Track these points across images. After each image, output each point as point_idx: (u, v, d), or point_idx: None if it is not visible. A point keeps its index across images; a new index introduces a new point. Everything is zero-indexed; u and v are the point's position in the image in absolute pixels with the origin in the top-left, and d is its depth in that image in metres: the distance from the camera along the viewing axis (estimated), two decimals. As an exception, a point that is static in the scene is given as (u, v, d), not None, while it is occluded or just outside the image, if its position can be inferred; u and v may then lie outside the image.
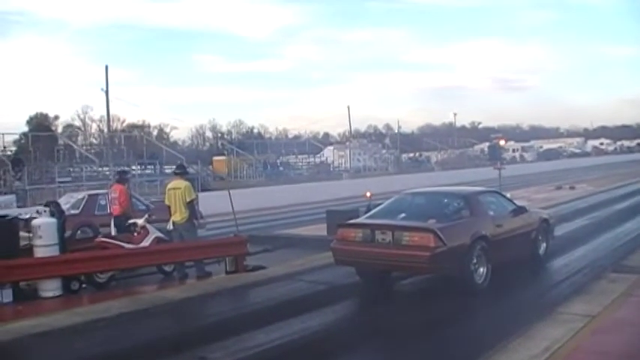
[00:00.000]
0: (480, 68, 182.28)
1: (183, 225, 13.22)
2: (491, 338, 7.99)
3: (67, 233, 15.62)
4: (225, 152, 63.60)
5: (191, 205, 13.25)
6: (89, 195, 20.55)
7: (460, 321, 9.19)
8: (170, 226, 13.35)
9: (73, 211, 18.93)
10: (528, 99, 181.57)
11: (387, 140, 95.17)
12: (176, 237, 13.38)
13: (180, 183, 13.44)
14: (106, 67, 49.09)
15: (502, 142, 28.37)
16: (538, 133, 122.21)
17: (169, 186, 13.68)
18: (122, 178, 15.72)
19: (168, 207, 13.32)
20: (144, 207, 18.62)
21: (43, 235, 11.95)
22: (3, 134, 49.10)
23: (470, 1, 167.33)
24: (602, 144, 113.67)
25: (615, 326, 8.49)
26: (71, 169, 44.55)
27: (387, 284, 11.70)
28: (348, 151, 70.99)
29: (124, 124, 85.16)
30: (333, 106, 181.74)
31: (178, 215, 13.18)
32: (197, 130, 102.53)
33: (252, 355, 7.86)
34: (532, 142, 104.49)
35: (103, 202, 19.44)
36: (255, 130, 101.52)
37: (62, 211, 13.19)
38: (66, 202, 20.15)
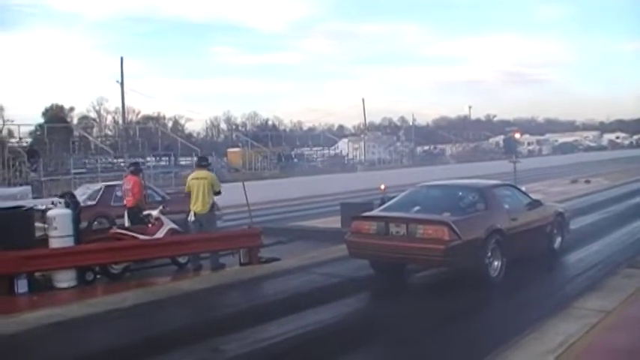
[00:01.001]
0: (495, 61, 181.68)
1: (205, 215, 13.33)
2: (505, 332, 7.95)
3: (84, 224, 15.76)
4: (240, 144, 63.81)
5: (217, 195, 13.47)
6: (106, 186, 20.62)
7: (474, 315, 9.15)
8: (192, 217, 13.38)
9: (89, 202, 19.02)
10: (544, 92, 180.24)
11: (401, 133, 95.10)
12: (196, 227, 13.42)
13: (206, 173, 13.62)
14: (121, 59, 49.55)
15: (517, 135, 28.27)
16: (553, 126, 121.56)
17: (193, 175, 13.74)
18: (136, 169, 15.81)
19: (189, 194, 13.38)
20: (160, 198, 18.69)
21: (58, 226, 12.02)
22: (19, 125, 49.81)
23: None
24: (618, 137, 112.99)
25: (630, 322, 8.43)
26: (86, 161, 44.83)
27: (401, 277, 11.68)
28: (362, 144, 71.03)
29: (139, 116, 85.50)
30: (348, 99, 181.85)
31: (200, 205, 13.25)
32: (212, 122, 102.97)
33: (266, 347, 7.86)
34: (547, 136, 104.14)
35: (119, 194, 19.42)
36: (270, 122, 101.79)
37: (77, 202, 13.25)
38: (82, 193, 20.24)
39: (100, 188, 20.28)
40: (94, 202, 19.33)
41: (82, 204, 18.74)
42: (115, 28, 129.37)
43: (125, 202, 15.32)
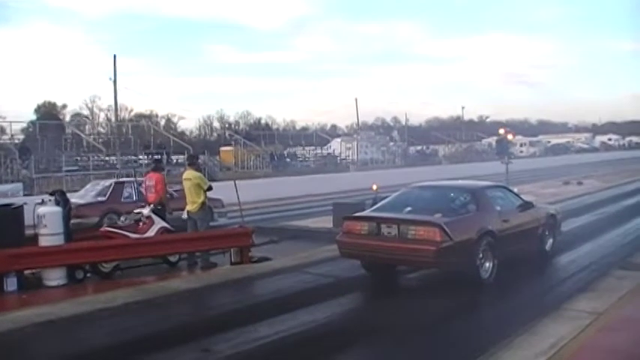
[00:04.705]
0: (489, 62, 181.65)
1: (197, 213, 13.53)
2: (496, 334, 7.93)
3: (95, 220, 16.19)
4: (233, 143, 63.70)
5: (209, 191, 13.67)
6: (116, 182, 20.84)
7: (465, 316, 9.15)
8: (185, 215, 13.71)
9: (100, 198, 19.46)
10: (537, 94, 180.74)
11: (394, 133, 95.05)
12: (191, 225, 13.65)
13: (192, 174, 13.78)
14: (114, 57, 49.56)
15: (510, 137, 28.19)
16: (546, 127, 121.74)
17: (184, 176, 14.20)
18: (158, 166, 15.89)
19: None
20: (168, 196, 18.73)
21: (48, 224, 11.94)
22: (11, 122, 49.38)
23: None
24: (610, 139, 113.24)
25: (622, 324, 8.41)
26: (78, 158, 44.61)
27: (392, 278, 11.67)
28: (355, 144, 70.87)
29: (132, 114, 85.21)
30: (342, 98, 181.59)
31: (191, 204, 13.57)
32: (205, 121, 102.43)
33: (256, 347, 7.81)
34: (540, 137, 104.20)
35: (129, 190, 19.70)
36: (263, 121, 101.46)
37: (67, 200, 13.15)
38: (92, 189, 20.46)
39: (111, 185, 20.46)
40: (104, 198, 19.51)
41: (92, 200, 19.05)
42: (111, 25, 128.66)
43: (147, 197, 15.19)
